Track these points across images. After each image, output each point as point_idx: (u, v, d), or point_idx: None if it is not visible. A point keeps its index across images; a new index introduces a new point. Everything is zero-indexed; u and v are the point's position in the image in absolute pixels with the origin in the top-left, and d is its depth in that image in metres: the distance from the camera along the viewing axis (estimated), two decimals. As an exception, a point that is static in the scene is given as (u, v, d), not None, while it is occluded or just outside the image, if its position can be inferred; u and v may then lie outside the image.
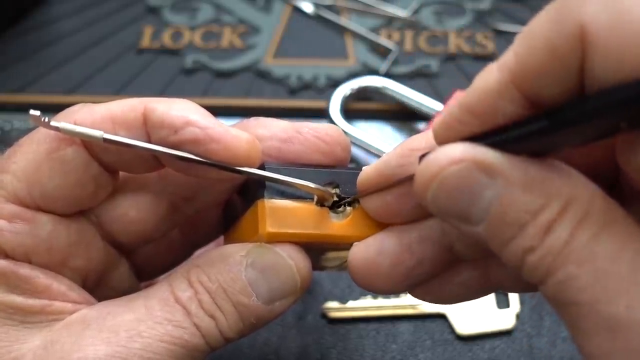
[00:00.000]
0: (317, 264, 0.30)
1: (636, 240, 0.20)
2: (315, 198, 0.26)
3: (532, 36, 0.19)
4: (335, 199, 0.26)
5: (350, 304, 0.38)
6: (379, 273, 0.25)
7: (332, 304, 0.38)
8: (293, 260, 0.26)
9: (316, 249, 0.27)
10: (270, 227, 0.25)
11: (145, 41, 0.54)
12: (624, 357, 0.19)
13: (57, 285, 0.26)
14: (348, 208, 0.26)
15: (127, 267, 0.30)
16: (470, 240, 0.24)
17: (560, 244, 0.19)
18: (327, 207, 0.26)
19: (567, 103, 0.19)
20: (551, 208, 0.20)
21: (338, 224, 0.26)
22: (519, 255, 0.20)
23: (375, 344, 0.37)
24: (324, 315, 0.38)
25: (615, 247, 0.19)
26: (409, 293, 0.26)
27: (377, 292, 0.26)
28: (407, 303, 0.38)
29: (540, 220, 0.20)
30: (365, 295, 0.38)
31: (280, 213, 0.25)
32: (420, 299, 0.26)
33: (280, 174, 0.25)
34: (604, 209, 0.20)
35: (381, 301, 0.38)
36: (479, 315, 0.38)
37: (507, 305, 0.38)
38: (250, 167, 0.25)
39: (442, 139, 0.22)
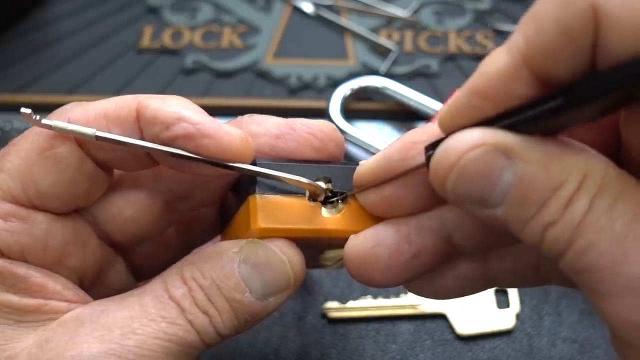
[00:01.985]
0: (317, 263, 0.30)
1: None
2: (308, 193, 0.26)
3: (540, 17, 0.19)
4: (328, 194, 0.26)
5: (350, 304, 0.38)
6: (376, 265, 0.25)
7: (332, 304, 0.38)
8: (285, 255, 0.26)
9: (314, 248, 0.27)
10: (261, 223, 0.25)
11: (145, 41, 0.54)
12: None
13: (53, 284, 0.26)
14: (340, 203, 0.26)
15: (123, 266, 0.30)
16: (470, 230, 0.24)
17: (579, 215, 0.20)
18: (320, 202, 0.26)
19: (582, 79, 0.19)
20: (571, 182, 0.20)
21: (330, 219, 0.26)
22: (539, 231, 0.21)
23: (375, 344, 0.37)
24: (324, 315, 0.38)
25: (631, 212, 0.20)
26: (406, 288, 0.26)
27: (374, 285, 0.26)
28: (407, 303, 0.38)
29: (561, 195, 0.20)
30: (365, 295, 0.38)
31: (271, 208, 0.25)
32: (417, 293, 0.26)
33: (272, 170, 0.25)
34: (618, 178, 0.20)
35: (381, 301, 0.38)
36: (479, 315, 0.38)
37: (507, 305, 0.38)
38: (242, 163, 0.25)
39: (450, 127, 0.22)
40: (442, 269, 0.25)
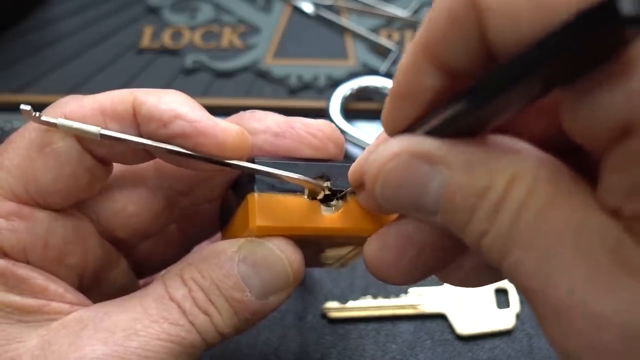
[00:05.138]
0: (317, 261, 0.30)
1: (583, 211, 0.19)
2: (307, 191, 0.26)
3: (435, 6, 0.19)
4: (327, 192, 0.26)
5: (350, 304, 0.38)
6: (388, 267, 0.25)
7: (332, 304, 0.38)
8: (284, 253, 0.26)
9: (315, 246, 0.27)
10: (260, 221, 0.25)
11: (145, 41, 0.54)
12: (573, 340, 0.18)
13: (55, 287, 0.26)
14: (339, 201, 0.26)
15: (125, 264, 0.30)
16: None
17: (507, 225, 0.19)
18: (319, 200, 0.26)
19: (483, 77, 0.18)
20: (496, 188, 0.19)
21: (329, 217, 0.26)
22: (475, 240, 0.20)
23: (375, 344, 0.37)
24: (324, 315, 0.38)
25: (561, 223, 0.18)
26: (438, 278, 0.26)
27: (396, 283, 0.25)
28: (407, 303, 0.38)
29: (487, 202, 0.19)
30: (365, 295, 0.38)
31: (270, 207, 0.25)
32: (447, 282, 0.26)
33: (271, 168, 0.25)
34: (552, 179, 0.19)
35: (381, 301, 0.38)
36: (479, 315, 0.38)
37: (507, 305, 0.38)
38: (240, 159, 0.25)
39: (389, 131, 0.22)
40: (459, 260, 0.25)
